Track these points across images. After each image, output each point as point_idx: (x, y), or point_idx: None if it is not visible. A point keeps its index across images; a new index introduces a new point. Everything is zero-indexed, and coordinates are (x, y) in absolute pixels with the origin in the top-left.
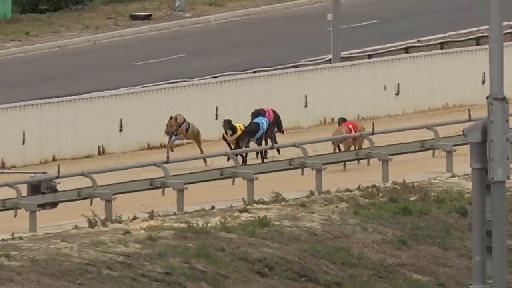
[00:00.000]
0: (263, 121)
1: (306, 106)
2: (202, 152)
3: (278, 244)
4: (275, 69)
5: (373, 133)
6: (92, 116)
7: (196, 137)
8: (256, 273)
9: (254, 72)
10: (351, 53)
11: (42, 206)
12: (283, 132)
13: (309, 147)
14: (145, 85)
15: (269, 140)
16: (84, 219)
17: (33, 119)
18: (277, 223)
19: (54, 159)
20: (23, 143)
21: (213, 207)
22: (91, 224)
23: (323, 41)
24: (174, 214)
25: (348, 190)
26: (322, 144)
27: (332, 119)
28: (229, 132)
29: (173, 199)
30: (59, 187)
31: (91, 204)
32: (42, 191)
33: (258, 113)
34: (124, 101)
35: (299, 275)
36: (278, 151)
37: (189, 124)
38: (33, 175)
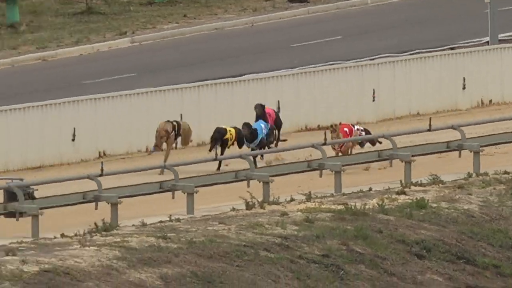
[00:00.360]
0: (262, 125)
1: (464, 88)
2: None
3: (436, 226)
4: (432, 51)
5: None
6: (248, 98)
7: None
8: (413, 255)
9: (411, 54)
10: (509, 35)
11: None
12: (278, 140)
13: (466, 129)
14: (302, 67)
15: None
16: (241, 201)
17: (191, 100)
18: (434, 205)
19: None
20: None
21: (370, 189)
22: (249, 206)
23: (481, 23)
24: (332, 196)
25: (506, 172)
26: (480, 127)
27: (490, 101)
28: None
29: (330, 181)
30: (36, 194)
31: (248, 186)
32: (18, 199)
33: (263, 114)
34: (282, 83)
35: (456, 257)
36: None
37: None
38: (9, 181)
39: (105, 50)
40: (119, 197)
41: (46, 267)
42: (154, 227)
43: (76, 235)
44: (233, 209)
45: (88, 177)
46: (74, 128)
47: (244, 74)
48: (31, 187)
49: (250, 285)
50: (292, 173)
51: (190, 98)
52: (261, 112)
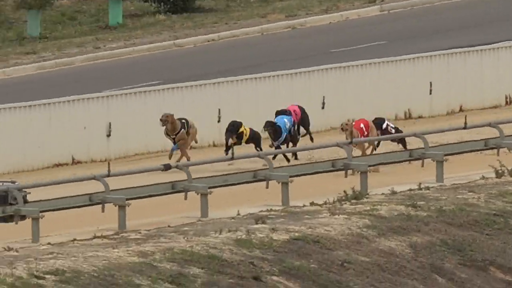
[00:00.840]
0: (285, 120)
1: None
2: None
3: None
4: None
5: None
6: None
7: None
8: None
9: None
10: None
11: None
12: (311, 139)
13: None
14: None
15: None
16: (491, 170)
17: (440, 68)
18: None
19: (461, 110)
20: (430, 93)
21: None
22: (498, 174)
23: None
24: None
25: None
26: None
27: None
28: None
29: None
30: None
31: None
32: (10, 202)
33: (282, 112)
34: None
35: None
36: (290, 156)
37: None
38: (0, 184)
39: (354, 18)
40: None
41: (296, 235)
42: (404, 195)
43: (325, 203)
44: (483, 178)
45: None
46: (324, 97)
47: (492, 43)
48: (24, 190)
49: (500, 253)
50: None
51: (439, 66)
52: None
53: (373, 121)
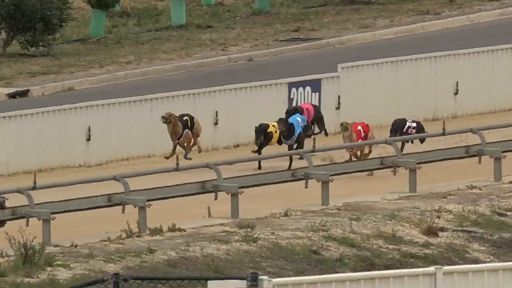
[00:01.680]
0: (298, 119)
1: None
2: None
3: None
4: None
5: None
6: None
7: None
8: None
9: None
10: None
11: None
12: (326, 134)
13: None
14: None
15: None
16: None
17: None
18: None
19: None
20: None
21: None
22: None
23: None
24: None
25: None
26: None
27: None
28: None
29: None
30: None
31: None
32: None
33: (294, 109)
34: None
35: None
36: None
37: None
38: None
39: None
40: None
41: None
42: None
43: None
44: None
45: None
46: None
47: None
48: (2, 196)
49: None
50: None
51: None
52: (293, 109)
53: (393, 122)
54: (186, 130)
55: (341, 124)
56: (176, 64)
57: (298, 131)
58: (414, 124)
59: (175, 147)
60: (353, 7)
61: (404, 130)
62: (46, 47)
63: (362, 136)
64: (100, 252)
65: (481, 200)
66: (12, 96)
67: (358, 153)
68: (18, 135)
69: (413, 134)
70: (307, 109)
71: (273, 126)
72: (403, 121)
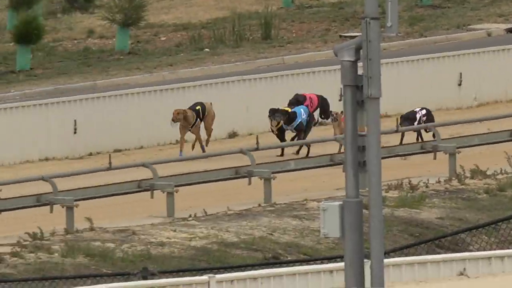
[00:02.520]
0: (301, 110)
1: None
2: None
3: None
4: None
5: None
6: None
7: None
8: None
9: None
10: None
11: None
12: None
13: None
14: None
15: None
16: None
17: None
18: None
19: None
20: None
21: None
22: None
23: None
24: None
25: None
26: None
27: None
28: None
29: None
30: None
31: None
32: None
33: (297, 100)
34: None
35: None
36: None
37: (199, 114)
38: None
39: None
40: None
41: None
42: None
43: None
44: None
45: None
46: None
47: None
48: None
49: None
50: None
51: None
52: (295, 100)
53: (403, 115)
54: (198, 119)
55: (331, 114)
56: None
57: (299, 120)
58: (424, 111)
59: (183, 135)
60: None
61: (416, 122)
62: None
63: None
64: None
65: None
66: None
67: None
68: None
69: (424, 121)
70: (310, 98)
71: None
72: (412, 113)
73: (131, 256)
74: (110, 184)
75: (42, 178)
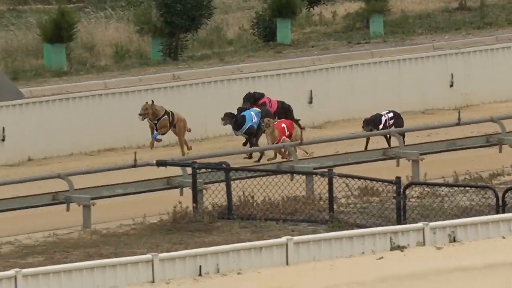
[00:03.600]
0: (251, 113)
1: None
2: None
3: None
4: None
5: None
6: None
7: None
8: None
9: None
10: None
11: None
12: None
13: None
14: None
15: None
16: None
17: None
18: None
19: None
20: None
21: None
22: None
23: None
24: None
25: None
26: None
27: None
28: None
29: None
30: None
31: None
32: None
33: (252, 97)
34: None
35: None
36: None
37: (172, 114)
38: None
39: None
40: None
41: None
42: None
43: None
44: None
45: None
46: None
47: None
48: None
49: None
50: None
51: None
52: (246, 105)
53: (366, 118)
54: (165, 116)
55: (263, 121)
56: None
57: (249, 124)
58: (391, 115)
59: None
60: None
61: (382, 125)
62: None
63: (286, 134)
64: None
65: None
66: None
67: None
68: None
69: (391, 125)
70: (269, 99)
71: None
72: (378, 116)
73: None
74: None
75: None
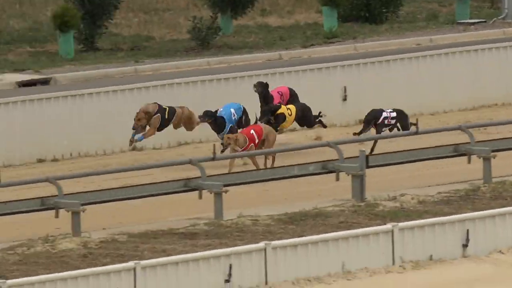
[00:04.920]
0: (231, 110)
1: None
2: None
3: None
4: None
5: None
6: None
7: (187, 121)
8: None
9: None
10: None
11: None
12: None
13: None
14: None
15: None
16: None
17: None
18: None
19: None
20: None
21: None
22: None
23: None
24: None
25: None
26: None
27: None
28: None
29: None
30: None
31: None
32: None
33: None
34: None
35: None
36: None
37: (171, 110)
38: None
39: None
40: None
41: None
42: None
43: None
44: None
45: None
46: None
47: None
48: None
49: None
50: None
51: None
52: (261, 91)
53: (367, 118)
54: (158, 114)
55: (223, 139)
56: None
57: (230, 125)
58: (394, 114)
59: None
60: None
61: (380, 121)
62: None
63: (256, 141)
64: None
65: None
66: None
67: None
68: None
69: (392, 124)
70: (279, 92)
71: (288, 109)
72: (379, 111)
73: None
74: None
75: None
